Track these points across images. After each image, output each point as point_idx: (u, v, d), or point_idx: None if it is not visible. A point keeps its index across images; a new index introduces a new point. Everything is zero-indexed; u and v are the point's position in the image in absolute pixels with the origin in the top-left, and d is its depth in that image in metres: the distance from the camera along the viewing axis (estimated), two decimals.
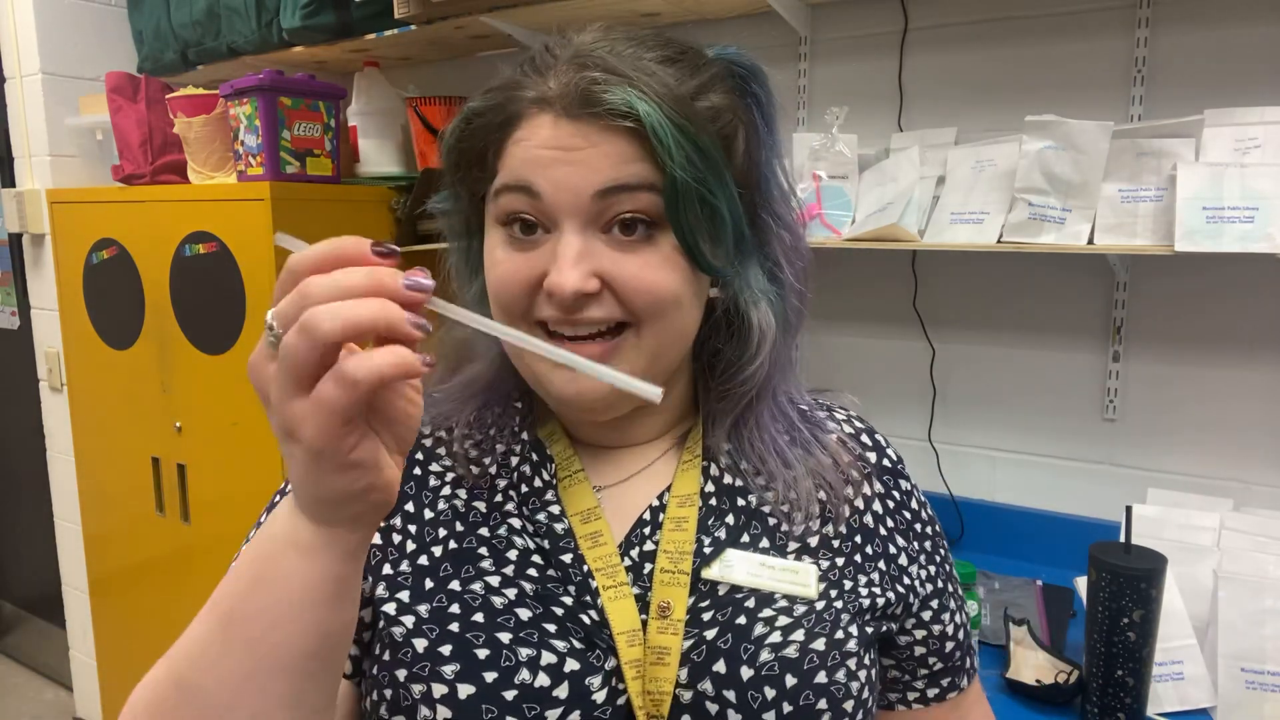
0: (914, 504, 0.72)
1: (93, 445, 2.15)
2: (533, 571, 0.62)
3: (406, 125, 1.97)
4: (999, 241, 1.41)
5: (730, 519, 0.65)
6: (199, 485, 1.89)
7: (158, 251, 1.83)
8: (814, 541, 0.65)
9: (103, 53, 2.35)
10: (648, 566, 0.62)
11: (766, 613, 0.61)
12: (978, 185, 1.46)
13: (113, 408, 2.04)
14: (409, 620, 0.59)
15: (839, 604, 0.63)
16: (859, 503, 0.68)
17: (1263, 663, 1.10)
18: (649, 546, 0.63)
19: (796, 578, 0.63)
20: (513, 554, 0.62)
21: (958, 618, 0.72)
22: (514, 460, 0.66)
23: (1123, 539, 1.12)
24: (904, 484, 0.72)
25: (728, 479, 0.66)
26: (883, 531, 0.68)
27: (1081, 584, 1.20)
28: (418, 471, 0.68)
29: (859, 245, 1.49)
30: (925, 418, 1.69)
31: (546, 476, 0.65)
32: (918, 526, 0.71)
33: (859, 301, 1.74)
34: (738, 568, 0.62)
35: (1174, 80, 1.42)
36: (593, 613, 0.60)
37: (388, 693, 0.59)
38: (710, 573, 0.62)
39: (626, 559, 0.63)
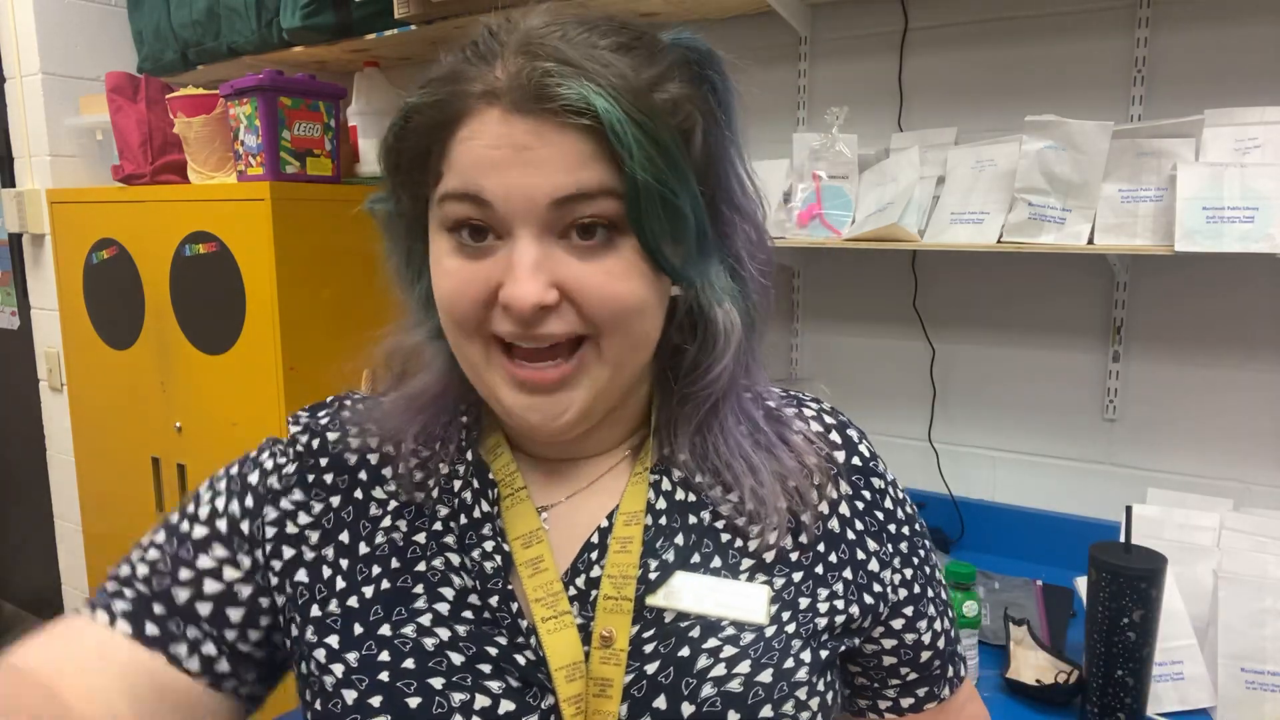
0: (888, 503, 0.67)
1: (93, 445, 2.15)
2: (468, 613, 0.58)
3: None
4: (999, 241, 1.41)
5: (680, 539, 0.60)
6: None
7: (158, 251, 1.83)
8: (770, 557, 0.61)
9: (103, 53, 2.35)
10: (593, 593, 0.59)
11: (711, 642, 0.57)
12: (978, 185, 1.46)
13: (113, 408, 2.04)
14: (338, 669, 0.57)
15: (791, 627, 0.59)
16: (823, 507, 0.64)
17: (1263, 663, 1.10)
18: (595, 573, 0.59)
19: (746, 602, 0.59)
20: (449, 591, 0.59)
21: (938, 625, 0.68)
22: (456, 484, 0.62)
23: (1123, 539, 1.12)
24: (876, 481, 0.67)
25: (680, 494, 0.62)
26: (850, 536, 0.64)
27: (1081, 584, 1.20)
28: (359, 495, 0.64)
29: (859, 245, 1.49)
30: (925, 418, 1.69)
31: (486, 506, 0.61)
32: (891, 527, 0.66)
33: (859, 301, 1.74)
34: (684, 593, 0.59)
35: (1174, 80, 1.42)
36: (528, 652, 0.57)
37: None
38: (655, 599, 0.58)
39: (572, 587, 0.59)
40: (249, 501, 0.65)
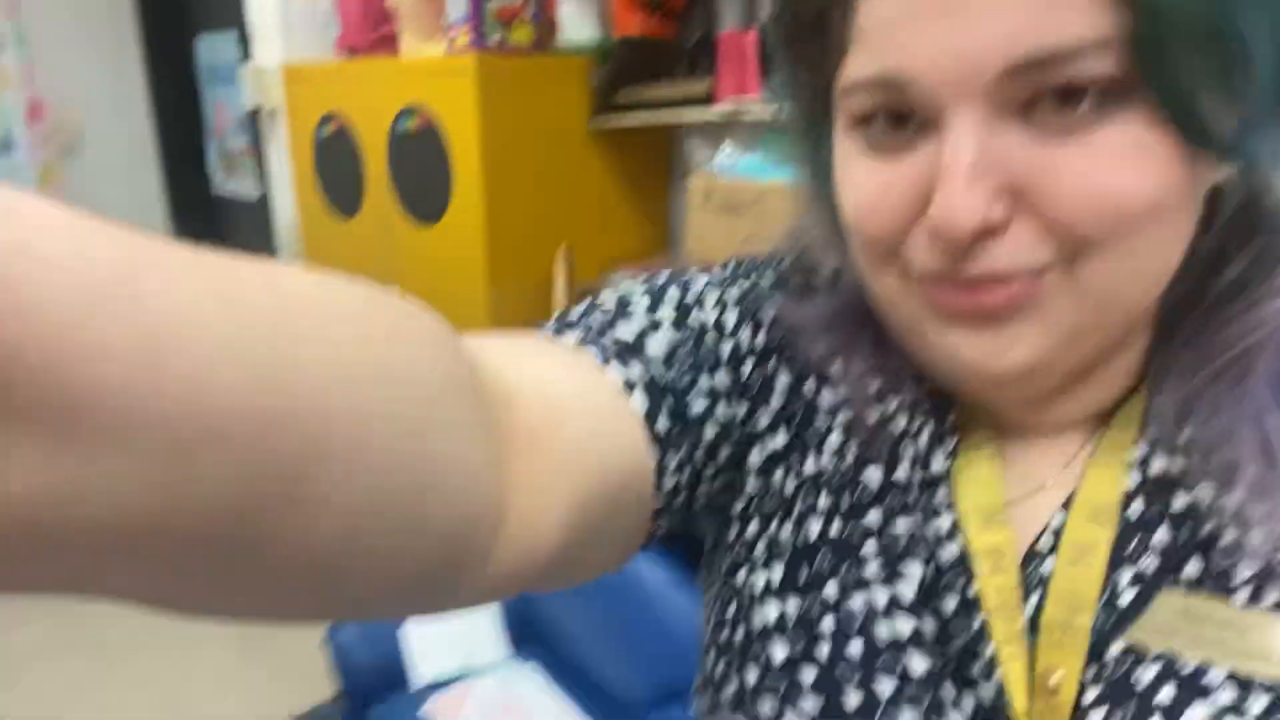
0: None
1: None
2: (932, 609, 0.43)
3: None
4: None
5: (1163, 534, 0.39)
6: None
7: (375, 127, 1.91)
8: None
9: None
10: (1039, 617, 0.42)
11: (1197, 712, 0.36)
12: None
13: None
14: (771, 612, 0.45)
15: None
16: None
17: None
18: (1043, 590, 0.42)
19: (1248, 644, 0.37)
20: (914, 569, 0.43)
21: None
22: (914, 423, 0.45)
23: None
24: None
25: (1158, 464, 0.40)
26: None
27: None
28: (808, 391, 0.47)
29: None
30: None
31: (943, 461, 0.43)
32: None
33: None
34: (1160, 623, 0.38)
35: None
36: (988, 686, 0.41)
37: (731, 680, 0.46)
38: (1121, 639, 0.39)
39: (1026, 605, 0.42)
40: (760, 340, 0.47)
